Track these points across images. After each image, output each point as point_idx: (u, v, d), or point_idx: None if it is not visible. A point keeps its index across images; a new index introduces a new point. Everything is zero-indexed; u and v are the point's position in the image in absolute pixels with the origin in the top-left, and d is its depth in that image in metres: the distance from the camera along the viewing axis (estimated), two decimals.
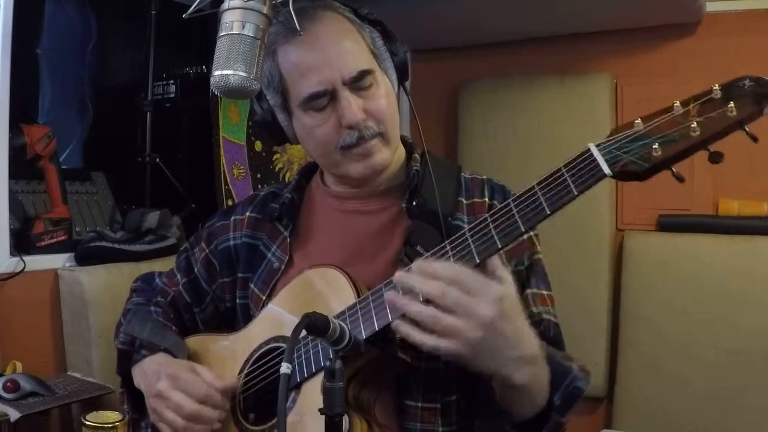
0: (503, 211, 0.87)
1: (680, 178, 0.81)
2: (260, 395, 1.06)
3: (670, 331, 2.10)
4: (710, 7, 2.16)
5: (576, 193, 0.82)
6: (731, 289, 2.02)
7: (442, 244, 0.90)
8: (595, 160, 0.82)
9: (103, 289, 1.63)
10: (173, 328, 1.19)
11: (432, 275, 0.84)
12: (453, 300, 0.82)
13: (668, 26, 2.23)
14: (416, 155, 1.14)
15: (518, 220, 0.85)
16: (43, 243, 1.66)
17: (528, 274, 1.08)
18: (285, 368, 0.71)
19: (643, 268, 2.17)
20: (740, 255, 2.04)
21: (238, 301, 1.20)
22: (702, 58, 2.20)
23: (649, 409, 2.11)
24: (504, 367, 0.85)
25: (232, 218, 1.23)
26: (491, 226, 0.87)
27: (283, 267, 1.13)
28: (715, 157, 0.78)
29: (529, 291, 1.07)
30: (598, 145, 0.83)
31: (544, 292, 1.09)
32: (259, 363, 1.06)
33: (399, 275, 0.87)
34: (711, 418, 2.02)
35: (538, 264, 1.10)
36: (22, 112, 1.71)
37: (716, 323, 2.03)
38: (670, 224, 2.19)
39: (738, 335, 2.00)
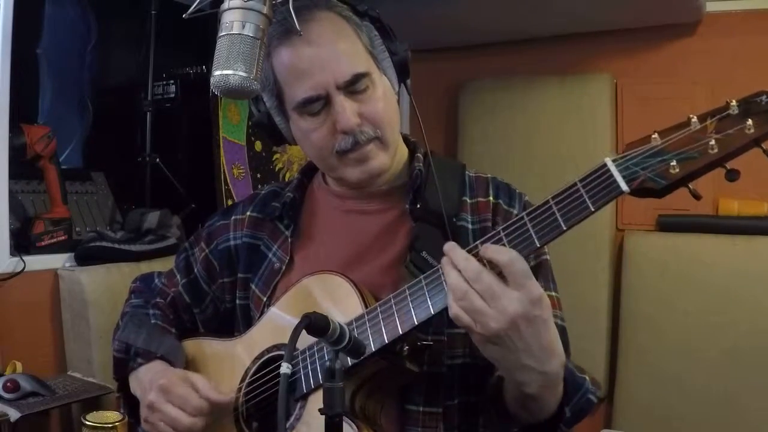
0: (517, 225, 0.84)
1: (697, 196, 0.79)
2: (263, 404, 1.05)
3: (670, 331, 2.10)
4: (710, 7, 2.16)
5: (593, 210, 0.81)
6: (731, 289, 2.02)
7: None
8: (612, 176, 0.79)
9: (103, 289, 1.63)
10: (172, 330, 1.19)
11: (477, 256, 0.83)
12: (485, 285, 0.80)
13: (668, 26, 2.23)
14: (419, 155, 1.12)
15: (533, 234, 0.83)
16: (43, 243, 1.66)
17: (535, 275, 1.06)
18: (285, 368, 0.71)
19: (643, 268, 2.17)
20: (740, 255, 2.04)
21: (238, 301, 1.18)
22: (702, 58, 2.20)
23: (649, 409, 2.11)
24: (516, 371, 0.84)
25: (233, 218, 1.22)
26: (504, 240, 0.85)
27: (284, 268, 1.12)
28: (732, 175, 0.77)
29: None
30: (614, 160, 0.80)
31: (553, 293, 1.07)
32: (261, 372, 1.05)
33: (450, 246, 0.86)
34: (711, 418, 2.02)
35: (545, 265, 1.08)
36: (22, 112, 1.71)
37: (716, 323, 2.03)
38: (670, 224, 2.19)
39: (738, 335, 2.00)
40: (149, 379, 1.07)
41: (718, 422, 2.01)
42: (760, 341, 1.98)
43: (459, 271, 0.83)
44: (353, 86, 1.00)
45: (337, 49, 1.00)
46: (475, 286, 0.81)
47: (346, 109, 0.99)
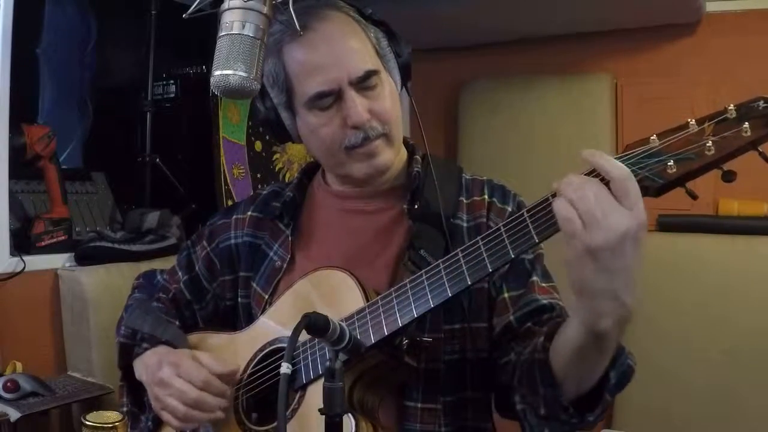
0: (518, 221, 0.85)
1: (694, 196, 0.80)
2: (263, 396, 1.06)
3: (670, 331, 2.10)
4: (710, 7, 2.16)
5: None
6: (731, 289, 2.03)
7: (454, 252, 0.90)
8: None
9: (103, 289, 1.63)
10: (175, 322, 1.19)
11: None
12: (603, 194, 0.75)
13: (668, 26, 2.23)
14: (418, 157, 1.14)
15: (532, 230, 0.83)
16: (43, 243, 1.66)
17: (532, 266, 1.07)
18: (285, 368, 0.71)
19: (644, 268, 2.15)
20: (740, 255, 2.04)
21: (240, 300, 1.19)
22: (702, 58, 2.20)
23: (649, 409, 2.11)
24: (600, 297, 0.78)
25: (234, 217, 1.23)
26: (504, 235, 0.85)
27: (285, 266, 1.13)
28: (728, 176, 0.78)
29: (535, 278, 1.06)
30: None
31: (548, 284, 1.07)
32: (263, 364, 1.06)
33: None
34: (711, 418, 2.02)
35: (540, 258, 1.09)
36: (22, 112, 1.71)
37: (716, 323, 2.03)
38: (670, 224, 2.19)
39: (738, 335, 2.00)
40: (156, 361, 1.07)
41: (719, 422, 2.01)
42: (760, 341, 1.98)
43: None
44: (364, 82, 1.02)
45: (349, 47, 1.03)
46: (594, 190, 0.75)
47: (358, 104, 1.01)
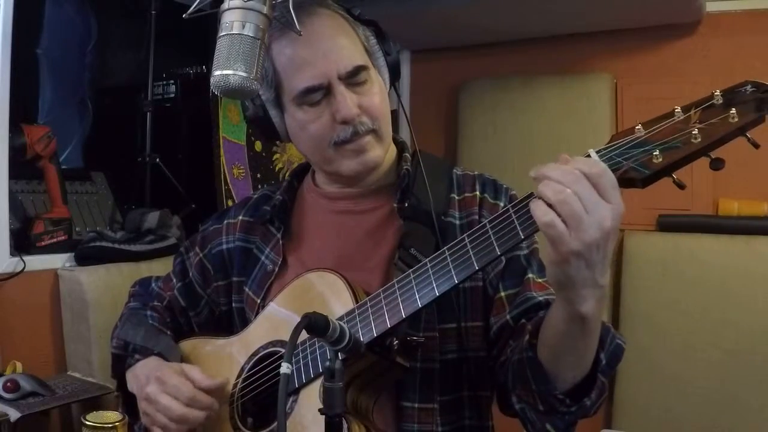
0: (503, 217, 0.84)
1: (681, 185, 0.79)
2: (258, 400, 1.06)
3: (670, 331, 2.10)
4: (710, 7, 2.17)
5: None
6: (731, 289, 2.03)
7: (441, 250, 0.89)
8: None
9: (103, 289, 1.63)
10: (167, 332, 1.20)
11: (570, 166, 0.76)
12: (585, 190, 0.74)
13: (668, 26, 2.23)
14: (407, 154, 1.14)
15: (517, 226, 0.82)
16: (43, 243, 1.66)
17: (528, 261, 1.06)
18: (285, 368, 0.71)
19: (643, 268, 2.17)
20: (740, 255, 2.04)
21: (234, 305, 1.19)
22: (702, 59, 2.20)
23: (649, 409, 2.12)
24: (582, 287, 0.78)
25: (225, 222, 1.23)
26: (490, 232, 0.85)
27: (276, 269, 1.13)
28: (717, 164, 0.77)
29: (530, 275, 1.05)
30: (598, 151, 0.80)
31: (544, 279, 1.06)
32: (258, 367, 1.06)
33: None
34: (711, 418, 2.02)
35: (536, 252, 1.09)
36: (22, 112, 1.71)
37: (716, 323, 2.04)
38: (670, 224, 2.19)
39: (738, 335, 2.01)
40: (146, 374, 1.08)
41: (718, 422, 2.01)
42: (760, 341, 1.98)
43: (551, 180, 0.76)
44: (354, 78, 1.02)
45: (338, 42, 1.02)
46: (575, 188, 0.74)
47: (347, 98, 1.01)
